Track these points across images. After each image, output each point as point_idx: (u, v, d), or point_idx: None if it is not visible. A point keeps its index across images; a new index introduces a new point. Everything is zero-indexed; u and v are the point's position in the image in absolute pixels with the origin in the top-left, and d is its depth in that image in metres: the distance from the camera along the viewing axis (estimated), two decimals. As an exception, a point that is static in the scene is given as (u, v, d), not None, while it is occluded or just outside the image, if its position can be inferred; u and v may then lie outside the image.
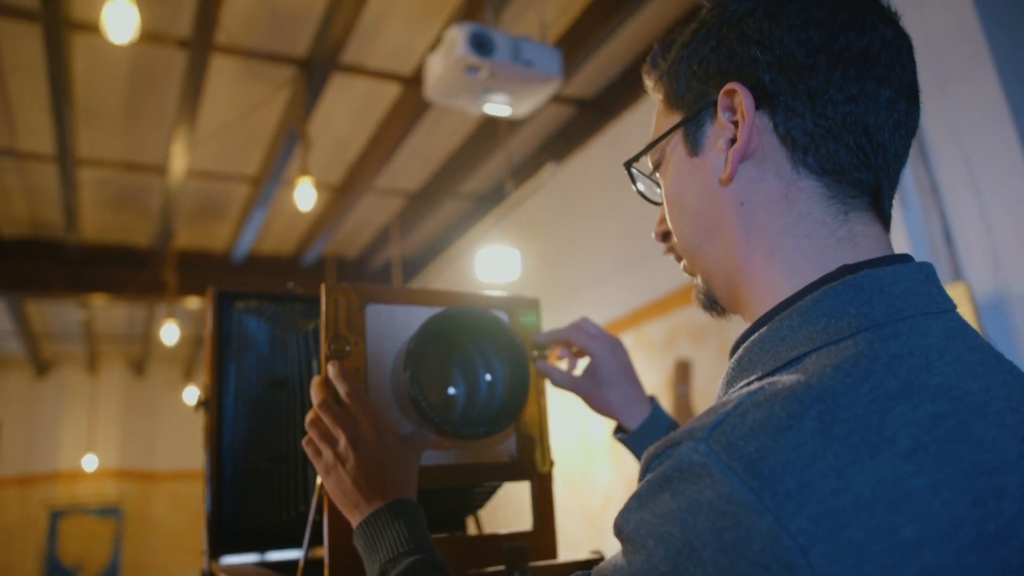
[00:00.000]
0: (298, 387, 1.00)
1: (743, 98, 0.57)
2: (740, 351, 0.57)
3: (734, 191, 0.59)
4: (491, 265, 3.92)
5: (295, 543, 1.10)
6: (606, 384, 0.95)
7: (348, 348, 0.86)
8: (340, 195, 5.15)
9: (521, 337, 0.91)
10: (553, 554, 0.95)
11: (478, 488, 0.98)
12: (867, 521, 0.41)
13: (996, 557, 0.42)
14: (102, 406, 8.88)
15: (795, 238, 0.57)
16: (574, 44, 3.51)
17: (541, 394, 0.98)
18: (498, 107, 2.24)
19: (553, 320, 1.04)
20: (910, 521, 0.42)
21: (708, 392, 3.44)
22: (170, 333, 5.81)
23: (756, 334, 0.56)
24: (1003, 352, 0.54)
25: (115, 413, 8.98)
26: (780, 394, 0.46)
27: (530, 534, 0.95)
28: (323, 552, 0.84)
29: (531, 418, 0.96)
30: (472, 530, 1.09)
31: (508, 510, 1.88)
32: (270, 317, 1.09)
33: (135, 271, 5.89)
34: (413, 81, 3.90)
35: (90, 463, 8.40)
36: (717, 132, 0.60)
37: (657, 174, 0.69)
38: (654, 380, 3.74)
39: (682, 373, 3.48)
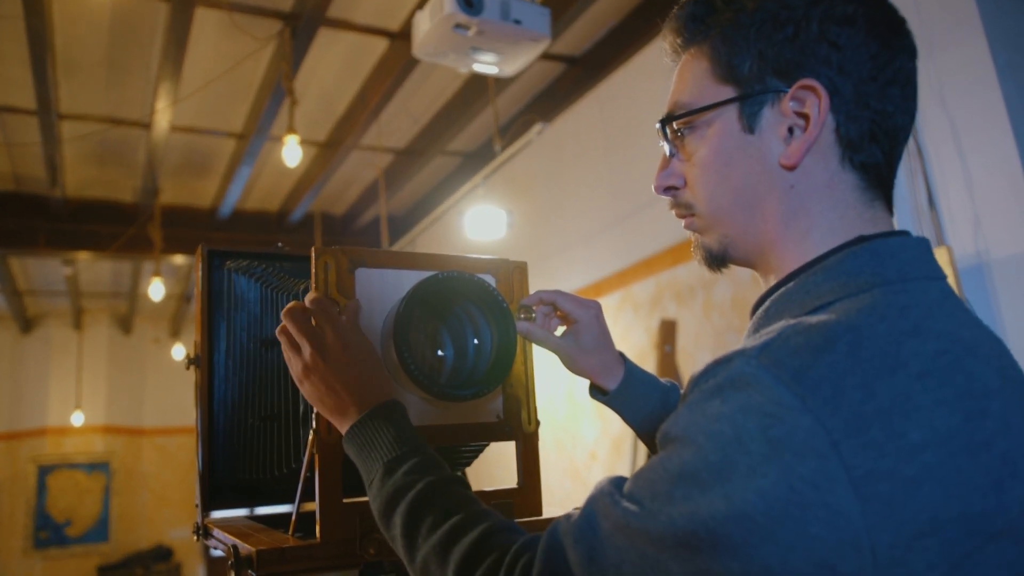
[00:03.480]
0: (288, 347, 1.01)
1: (823, 99, 0.63)
2: (767, 303, 0.67)
3: (788, 176, 0.66)
4: (478, 224, 3.92)
5: (286, 498, 1.13)
6: (589, 350, 0.96)
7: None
8: (327, 151, 5.10)
9: (508, 300, 0.93)
10: (538, 511, 0.98)
11: (465, 447, 1.00)
12: (885, 425, 0.51)
13: (980, 461, 0.53)
14: (88, 362, 8.84)
15: (830, 219, 0.66)
16: (563, 1, 3.46)
17: (528, 356, 1.00)
18: (486, 66, 2.22)
19: (540, 279, 1.06)
20: (917, 428, 0.51)
21: (693, 351, 3.48)
22: (156, 290, 5.79)
23: (783, 288, 0.66)
24: (982, 316, 0.64)
25: (102, 369, 8.94)
26: (816, 326, 0.56)
27: (516, 491, 0.97)
28: (314, 507, 0.87)
29: (518, 379, 0.98)
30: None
31: (495, 467, 1.92)
32: (260, 277, 1.10)
33: (120, 227, 5.83)
34: (400, 37, 3.84)
35: (78, 419, 8.40)
36: (778, 117, 0.65)
37: (684, 131, 0.71)
38: (640, 339, 3.78)
39: (667, 332, 3.52)
